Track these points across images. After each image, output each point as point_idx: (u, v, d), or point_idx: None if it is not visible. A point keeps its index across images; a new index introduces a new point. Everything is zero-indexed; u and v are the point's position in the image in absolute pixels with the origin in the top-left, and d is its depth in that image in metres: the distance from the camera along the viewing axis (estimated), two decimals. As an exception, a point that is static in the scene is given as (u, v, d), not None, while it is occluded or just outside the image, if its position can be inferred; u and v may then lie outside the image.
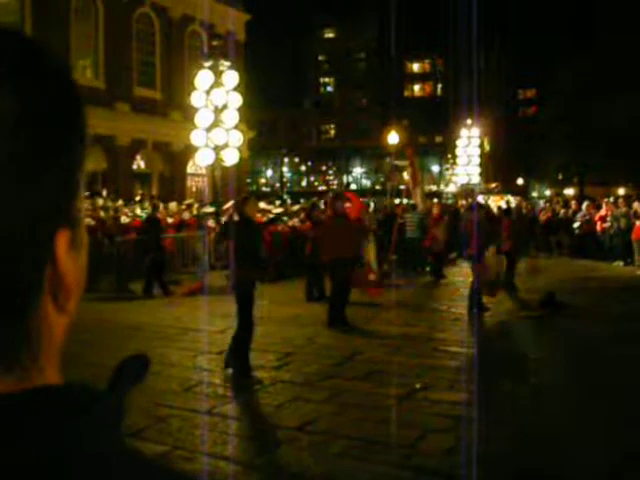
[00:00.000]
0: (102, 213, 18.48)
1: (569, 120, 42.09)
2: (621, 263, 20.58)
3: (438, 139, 73.44)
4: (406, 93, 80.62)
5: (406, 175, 17.64)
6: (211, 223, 18.23)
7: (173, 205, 21.10)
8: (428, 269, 18.87)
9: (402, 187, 18.26)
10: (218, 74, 15.59)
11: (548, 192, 56.23)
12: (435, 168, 72.47)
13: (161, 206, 19.66)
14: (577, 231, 23.40)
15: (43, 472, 0.53)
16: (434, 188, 63.20)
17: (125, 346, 9.28)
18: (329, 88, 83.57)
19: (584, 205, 24.53)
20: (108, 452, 0.58)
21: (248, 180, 48.35)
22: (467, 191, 32.01)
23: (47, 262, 0.59)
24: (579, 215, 23.78)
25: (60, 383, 0.62)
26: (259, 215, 19.93)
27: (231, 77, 15.74)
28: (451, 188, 48.45)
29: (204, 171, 31.79)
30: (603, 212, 22.42)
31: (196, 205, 22.53)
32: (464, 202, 28.21)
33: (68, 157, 0.61)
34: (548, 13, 58.23)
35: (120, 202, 20.53)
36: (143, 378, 0.69)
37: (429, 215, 18.94)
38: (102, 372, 0.70)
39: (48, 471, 0.54)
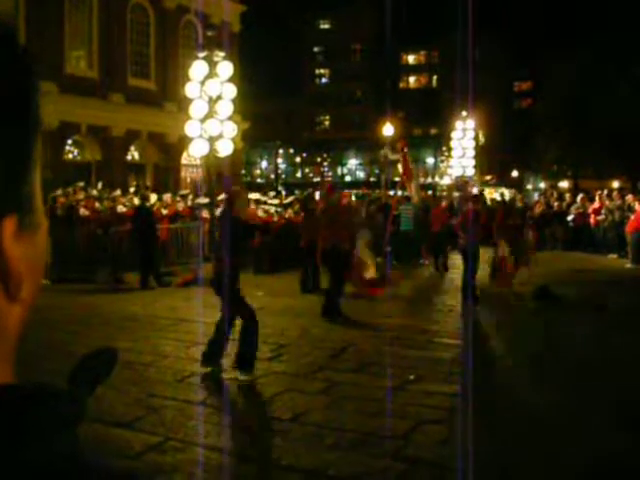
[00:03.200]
0: (97, 204, 18.43)
1: (563, 113, 42.12)
2: (615, 256, 20.62)
3: (433, 131, 73.39)
4: (401, 85, 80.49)
5: (400, 167, 17.67)
6: (205, 214, 18.21)
7: (168, 196, 21.06)
8: (422, 262, 18.91)
9: (397, 179, 18.26)
10: (213, 65, 15.51)
11: (542, 185, 56.29)
12: (430, 160, 72.44)
13: (155, 197, 19.62)
14: (571, 224, 23.44)
15: None
16: (429, 180, 63.17)
17: (118, 337, 9.26)
18: (324, 79, 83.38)
19: (578, 198, 24.56)
20: (54, 457, 0.55)
21: (243, 171, 48.28)
22: (461, 183, 31.98)
23: None
24: (573, 208, 23.81)
25: (7, 381, 0.58)
26: (253, 207, 19.95)
27: (226, 68, 15.67)
28: (446, 180, 48.41)
29: (198, 162, 31.72)
30: (596, 205, 22.45)
31: (191, 196, 22.50)
32: (457, 194, 28.23)
33: (12, 139, 0.58)
34: (545, 4, 58.19)
35: (118, 192, 20.48)
36: (109, 374, 0.66)
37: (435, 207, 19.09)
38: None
39: None
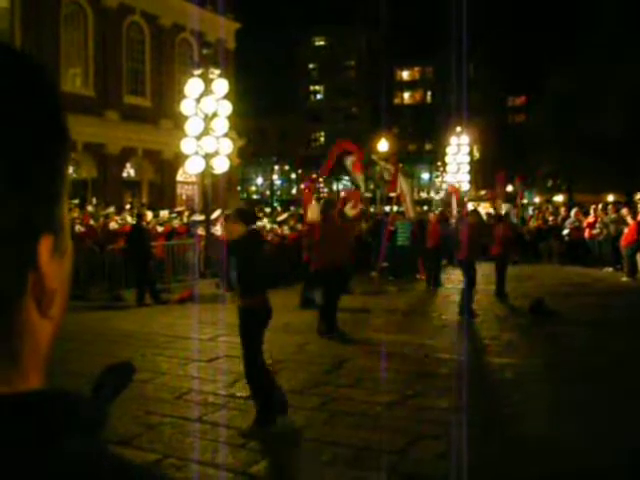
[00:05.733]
0: (92, 221, 18.41)
1: (557, 127, 42.31)
2: (610, 269, 20.65)
3: (428, 146, 73.65)
4: (396, 101, 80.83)
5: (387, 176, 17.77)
6: (201, 231, 18.22)
7: (163, 213, 21.06)
8: (418, 276, 18.91)
9: (392, 195, 18.29)
10: (208, 82, 15.59)
11: (537, 199, 56.46)
12: (425, 175, 72.66)
13: (150, 214, 19.60)
14: (566, 238, 23.48)
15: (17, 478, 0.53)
16: (424, 195, 63.35)
17: (115, 354, 9.26)
18: (319, 96, 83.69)
19: (572, 212, 24.60)
20: (86, 458, 0.58)
21: (238, 188, 48.34)
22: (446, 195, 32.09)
23: (30, 267, 0.60)
24: (568, 222, 23.84)
25: (42, 388, 0.63)
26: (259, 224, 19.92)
27: (221, 85, 15.75)
28: (441, 195, 48.58)
29: (194, 179, 31.77)
30: (591, 219, 22.51)
31: (186, 213, 22.52)
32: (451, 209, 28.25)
33: (51, 164, 0.61)
34: (538, 19, 58.58)
35: (111, 209, 20.46)
36: (127, 385, 0.70)
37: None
38: (90, 381, 0.72)
39: (21, 477, 0.53)
